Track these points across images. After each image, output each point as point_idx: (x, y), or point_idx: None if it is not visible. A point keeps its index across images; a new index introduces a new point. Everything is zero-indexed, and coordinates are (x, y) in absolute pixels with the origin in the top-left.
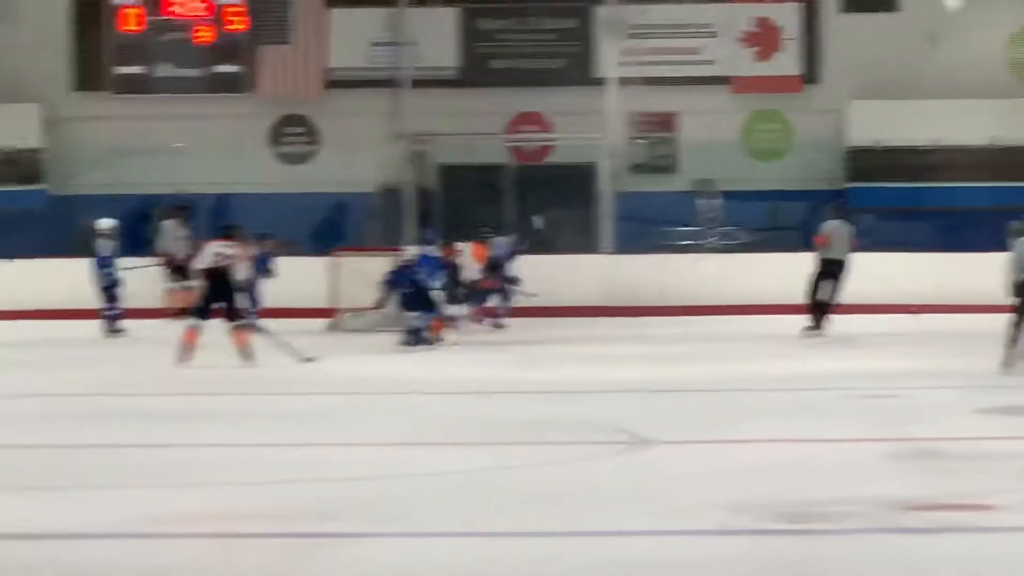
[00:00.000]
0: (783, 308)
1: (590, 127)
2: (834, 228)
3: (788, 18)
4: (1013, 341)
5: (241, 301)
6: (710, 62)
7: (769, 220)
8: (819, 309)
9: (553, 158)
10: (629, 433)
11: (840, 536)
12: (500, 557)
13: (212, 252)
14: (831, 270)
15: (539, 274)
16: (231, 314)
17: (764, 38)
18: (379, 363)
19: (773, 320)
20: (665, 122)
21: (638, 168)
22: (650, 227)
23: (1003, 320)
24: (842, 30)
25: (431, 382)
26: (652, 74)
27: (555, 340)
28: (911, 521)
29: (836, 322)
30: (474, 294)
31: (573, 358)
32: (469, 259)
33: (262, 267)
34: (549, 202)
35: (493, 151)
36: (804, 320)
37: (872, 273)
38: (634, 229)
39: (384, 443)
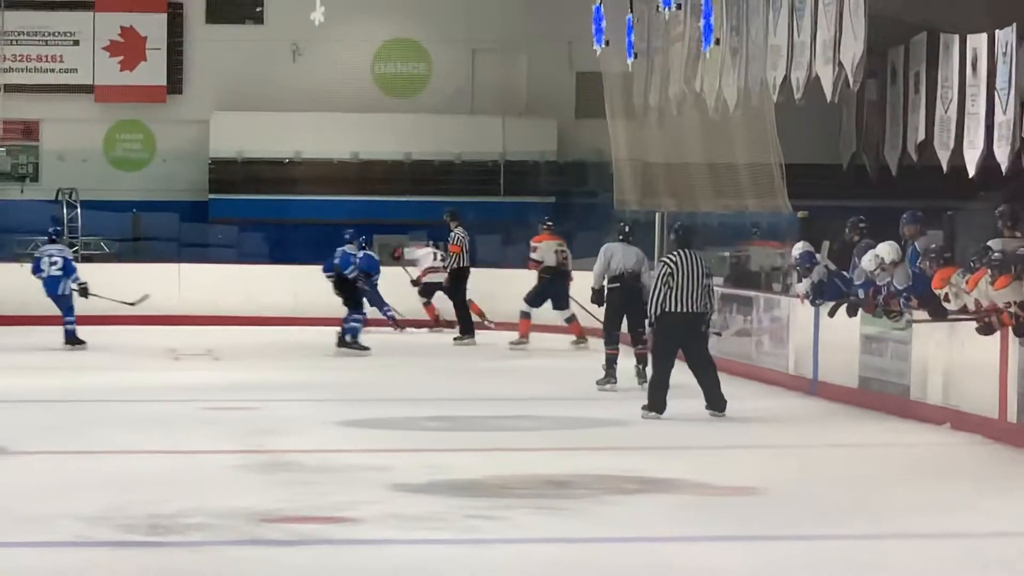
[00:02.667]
0: (145, 319)
1: None
2: (462, 236)
3: (153, 28)
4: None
5: None
6: (74, 70)
7: (132, 230)
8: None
9: None
10: None
11: (197, 548)
12: None
13: None
14: (466, 276)
15: None
16: None
17: (128, 47)
18: None
19: (134, 331)
20: (28, 130)
21: None
22: (11, 236)
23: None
24: (207, 41)
25: None
26: (15, 81)
27: None
28: (268, 533)
29: (201, 335)
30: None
31: None
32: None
33: None
34: None
35: None
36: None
37: (233, 286)
38: None
39: None
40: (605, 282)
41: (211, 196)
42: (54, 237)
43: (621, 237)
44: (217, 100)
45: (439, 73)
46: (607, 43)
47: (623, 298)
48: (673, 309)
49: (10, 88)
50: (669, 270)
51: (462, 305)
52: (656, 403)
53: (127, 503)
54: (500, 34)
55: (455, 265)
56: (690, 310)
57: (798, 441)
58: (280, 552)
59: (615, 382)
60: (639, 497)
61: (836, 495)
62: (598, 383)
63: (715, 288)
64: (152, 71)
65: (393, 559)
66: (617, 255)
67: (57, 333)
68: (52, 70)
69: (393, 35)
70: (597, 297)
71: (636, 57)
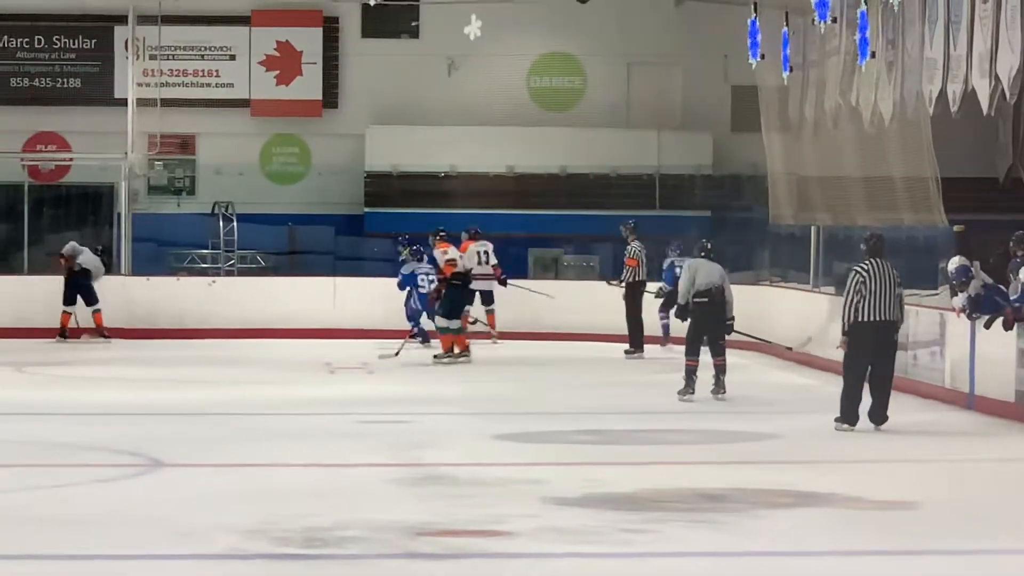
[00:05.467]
0: (301, 332)
1: (109, 147)
2: (638, 249)
3: (309, 42)
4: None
5: None
6: (230, 85)
7: (287, 243)
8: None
9: (71, 178)
10: (142, 456)
11: (352, 561)
12: None
13: None
14: (641, 290)
15: (56, 294)
16: None
17: (285, 62)
18: None
19: (289, 344)
20: (184, 144)
21: (156, 189)
22: (167, 249)
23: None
24: (362, 55)
25: None
26: (172, 96)
27: (72, 361)
28: (423, 546)
29: (356, 348)
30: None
31: (90, 380)
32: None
33: None
34: (67, 222)
35: (9, 170)
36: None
37: (389, 299)
38: (151, 251)
39: None
40: (690, 297)
41: (366, 209)
42: (420, 257)
43: (703, 254)
44: (372, 114)
45: (594, 87)
46: (762, 56)
47: (710, 312)
48: (865, 318)
49: (167, 102)
50: (861, 278)
51: (635, 319)
52: (849, 414)
53: (282, 516)
54: (655, 48)
55: (631, 279)
56: (882, 319)
57: (954, 455)
58: (435, 565)
59: (693, 392)
60: (793, 511)
61: (991, 509)
62: (679, 393)
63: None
64: (308, 85)
65: (547, 572)
66: (703, 271)
67: (209, 346)
68: (208, 84)
69: (548, 49)
70: (682, 312)
71: (792, 70)
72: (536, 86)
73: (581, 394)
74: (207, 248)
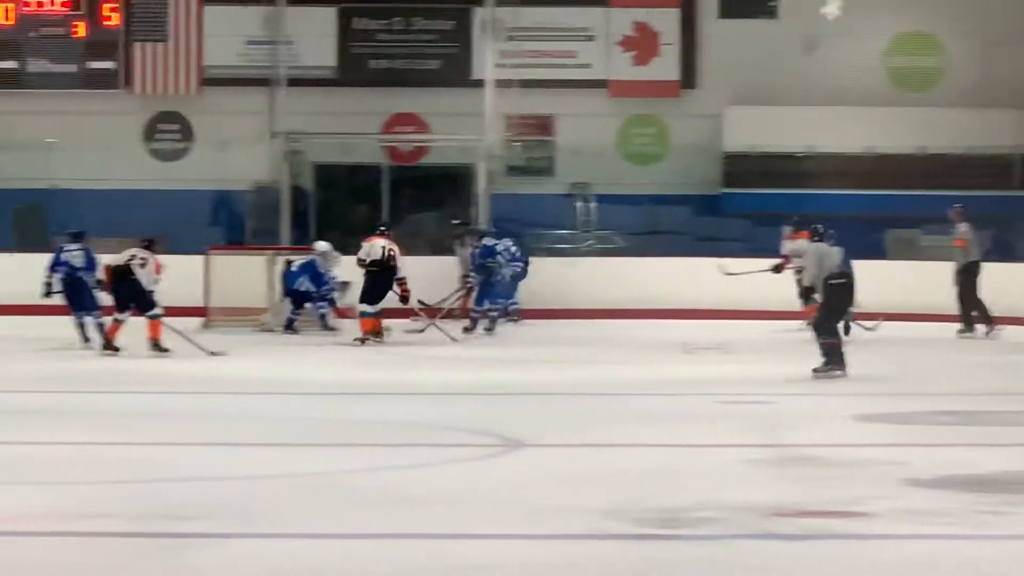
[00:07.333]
0: (658, 313)
1: (467, 129)
2: (966, 231)
3: (666, 23)
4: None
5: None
6: (588, 66)
7: (645, 224)
8: (974, 311)
9: (429, 159)
10: (499, 436)
11: (711, 542)
12: (368, 559)
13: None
14: (974, 271)
15: (415, 274)
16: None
17: (642, 43)
18: (248, 363)
19: (648, 325)
20: (542, 125)
21: (514, 170)
22: (526, 230)
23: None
24: (720, 36)
25: (300, 383)
26: (530, 77)
27: (426, 342)
28: (782, 527)
29: (714, 328)
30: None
31: (444, 360)
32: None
33: None
34: (425, 203)
35: (369, 151)
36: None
37: (749, 279)
38: (511, 231)
39: (250, 444)
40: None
41: (724, 190)
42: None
43: (818, 238)
44: (730, 94)
45: (953, 66)
46: None
47: (848, 293)
48: None
49: (525, 83)
50: None
51: (968, 300)
52: None
53: (640, 496)
54: (1016, 26)
55: (964, 260)
56: None
57: None
58: (790, 546)
59: (843, 370)
60: None
61: None
62: (818, 372)
63: None
64: (665, 66)
65: (901, 554)
66: (831, 255)
67: (566, 326)
68: (566, 66)
69: (906, 28)
70: (806, 293)
71: None
72: (894, 65)
73: (940, 374)
74: (566, 229)
